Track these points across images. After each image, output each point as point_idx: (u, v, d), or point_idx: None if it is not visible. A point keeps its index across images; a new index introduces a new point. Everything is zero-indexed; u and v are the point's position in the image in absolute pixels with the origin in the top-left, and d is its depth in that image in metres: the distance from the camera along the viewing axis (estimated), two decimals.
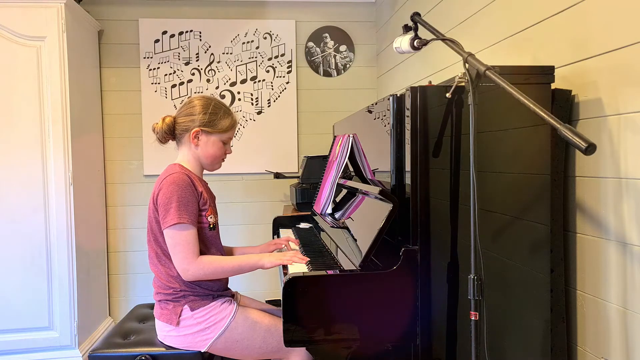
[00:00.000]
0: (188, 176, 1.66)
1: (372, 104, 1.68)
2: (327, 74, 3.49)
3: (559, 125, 0.99)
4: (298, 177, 3.07)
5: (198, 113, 1.70)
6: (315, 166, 2.82)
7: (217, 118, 1.71)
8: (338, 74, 3.50)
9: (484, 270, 1.16)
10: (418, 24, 1.48)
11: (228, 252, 1.97)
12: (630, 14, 1.23)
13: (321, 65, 3.48)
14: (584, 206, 1.41)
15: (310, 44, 3.46)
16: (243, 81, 3.40)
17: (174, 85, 3.34)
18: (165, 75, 3.32)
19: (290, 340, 1.36)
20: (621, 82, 1.27)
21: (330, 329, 1.36)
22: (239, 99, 3.40)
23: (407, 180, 1.38)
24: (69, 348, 2.75)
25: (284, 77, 3.42)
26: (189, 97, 2.89)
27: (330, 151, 2.20)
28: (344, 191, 1.99)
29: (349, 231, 1.63)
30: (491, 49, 1.88)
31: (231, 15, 3.37)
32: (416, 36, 1.49)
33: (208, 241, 1.71)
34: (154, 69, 3.31)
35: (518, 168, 1.39)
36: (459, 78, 1.23)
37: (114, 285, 3.37)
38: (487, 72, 1.14)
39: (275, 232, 2.42)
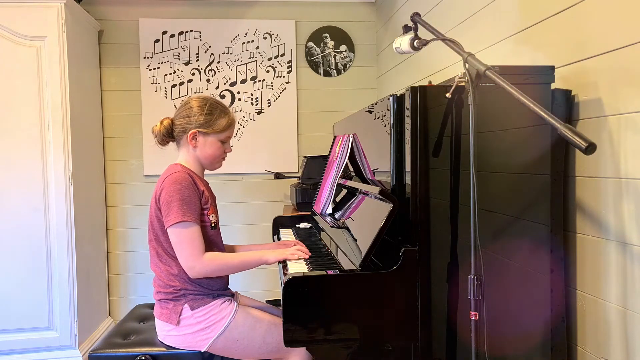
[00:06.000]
0: (190, 175, 1.67)
1: (372, 104, 1.68)
2: (327, 74, 3.49)
3: (559, 125, 0.99)
4: (298, 177, 3.07)
5: (194, 114, 1.70)
6: (315, 166, 2.82)
7: (214, 118, 1.71)
8: (338, 74, 3.50)
9: (484, 270, 1.16)
10: (418, 24, 1.48)
11: (230, 250, 1.97)
12: (630, 14, 1.23)
13: (321, 65, 3.48)
14: (584, 206, 1.41)
15: (310, 44, 3.46)
16: (243, 81, 3.40)
17: (174, 85, 3.34)
18: (165, 75, 3.32)
19: (290, 340, 1.36)
20: (621, 82, 1.27)
21: (330, 329, 1.36)
22: (239, 99, 3.40)
23: (407, 180, 1.38)
24: (69, 348, 2.75)
25: (284, 77, 3.42)
26: (188, 97, 2.91)
27: (330, 151, 2.20)
28: (344, 191, 1.99)
29: (349, 231, 1.63)
30: (491, 49, 1.88)
31: (231, 15, 3.37)
32: (416, 36, 1.49)
33: (210, 240, 1.72)
34: (154, 69, 3.31)
35: (518, 168, 1.39)
36: (459, 78, 1.23)
37: (114, 285, 3.37)
38: (487, 72, 1.14)
39: (275, 232, 2.41)
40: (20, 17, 2.63)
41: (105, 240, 3.31)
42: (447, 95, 1.30)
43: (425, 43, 1.47)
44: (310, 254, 1.72)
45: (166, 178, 1.65)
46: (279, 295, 1.44)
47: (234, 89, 3.39)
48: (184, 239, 1.59)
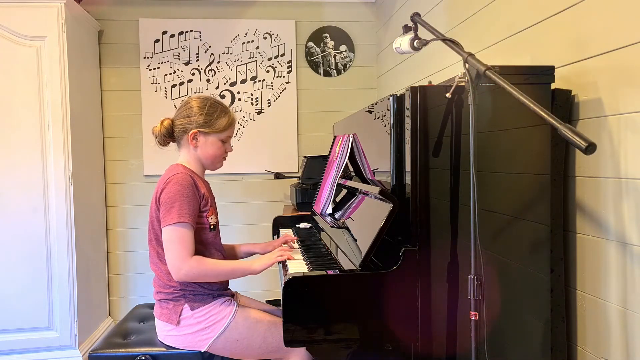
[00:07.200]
0: (191, 177, 1.66)
1: (372, 104, 1.68)
2: (327, 74, 3.49)
3: (559, 125, 0.99)
4: (298, 177, 3.07)
5: (194, 114, 1.70)
6: (315, 166, 2.82)
7: (214, 118, 1.71)
8: (338, 74, 3.50)
9: (484, 270, 1.16)
10: (418, 24, 1.48)
11: (230, 249, 1.98)
12: (630, 14, 1.23)
13: (321, 65, 3.48)
14: (584, 206, 1.41)
15: (310, 44, 3.46)
16: (243, 81, 3.40)
17: (174, 85, 3.34)
18: (165, 75, 3.32)
19: (290, 340, 1.36)
20: (621, 82, 1.27)
21: (330, 329, 1.36)
22: (239, 99, 3.40)
23: (407, 180, 1.38)
24: (69, 348, 2.75)
25: (284, 77, 3.42)
26: (188, 97, 2.92)
27: (330, 151, 2.20)
28: (344, 191, 1.99)
29: (349, 231, 1.63)
30: (491, 49, 1.88)
31: (231, 15, 3.37)
32: (416, 36, 1.49)
33: (208, 242, 1.71)
34: (154, 69, 3.31)
35: (518, 168, 1.39)
36: (459, 78, 1.23)
37: (114, 285, 3.37)
38: (487, 72, 1.14)
39: (276, 232, 2.41)
40: (20, 17, 2.63)
41: (105, 240, 3.31)
42: (447, 95, 1.30)
43: (425, 43, 1.47)
44: (294, 248, 1.74)
45: (167, 179, 1.65)
46: (279, 295, 1.44)
47: (234, 89, 3.39)
48: (175, 239, 1.58)
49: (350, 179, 2.00)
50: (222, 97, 3.37)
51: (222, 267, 1.65)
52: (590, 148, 0.94)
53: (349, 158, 1.91)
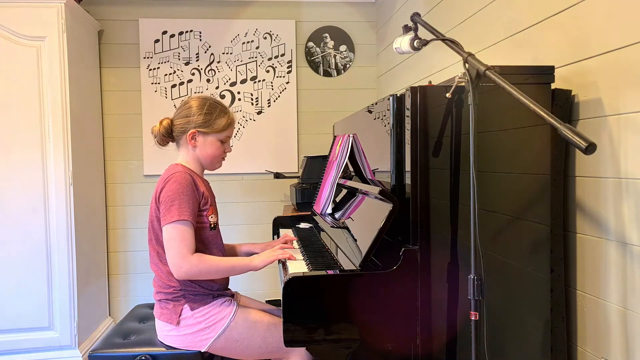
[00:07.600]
0: (190, 175, 1.67)
1: (372, 104, 1.68)
2: (327, 74, 3.49)
3: (559, 125, 1.00)
4: (298, 177, 3.07)
5: (193, 114, 1.70)
6: (315, 166, 2.82)
7: (213, 118, 1.71)
8: (338, 74, 3.50)
9: (484, 270, 1.16)
10: (418, 24, 1.48)
11: (230, 249, 1.98)
12: (630, 14, 1.23)
13: (321, 65, 3.48)
14: (584, 206, 1.41)
15: (310, 44, 3.46)
16: (243, 81, 3.40)
17: (174, 85, 3.33)
18: (165, 75, 3.32)
19: (290, 340, 1.36)
20: (621, 82, 1.27)
21: (330, 329, 1.36)
22: (239, 99, 3.40)
23: (407, 180, 1.38)
24: (69, 348, 2.75)
25: (284, 77, 3.42)
26: (188, 97, 2.92)
27: (330, 151, 2.20)
28: (344, 191, 1.99)
29: (349, 231, 1.63)
30: (491, 49, 1.88)
31: (231, 15, 3.37)
32: (416, 36, 1.49)
33: (208, 241, 1.71)
34: (154, 69, 3.31)
35: (518, 168, 1.39)
36: (459, 78, 1.23)
37: (114, 285, 3.37)
38: (487, 72, 1.14)
39: (275, 232, 2.41)
40: (20, 17, 2.63)
41: (105, 240, 3.31)
42: (447, 95, 1.30)
43: (425, 43, 1.47)
44: (293, 247, 1.73)
45: (167, 178, 1.65)
46: (279, 295, 1.44)
47: (234, 89, 3.39)
48: (176, 237, 1.58)
49: (350, 179, 2.00)
50: (222, 97, 3.38)
51: (222, 263, 1.65)
52: (590, 148, 0.94)
53: (349, 158, 1.91)
